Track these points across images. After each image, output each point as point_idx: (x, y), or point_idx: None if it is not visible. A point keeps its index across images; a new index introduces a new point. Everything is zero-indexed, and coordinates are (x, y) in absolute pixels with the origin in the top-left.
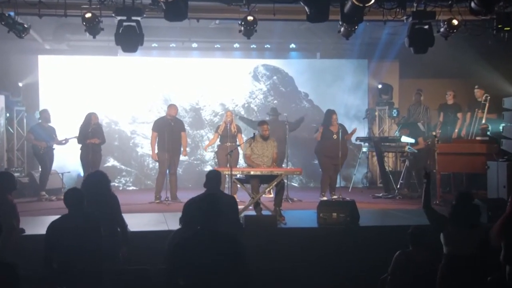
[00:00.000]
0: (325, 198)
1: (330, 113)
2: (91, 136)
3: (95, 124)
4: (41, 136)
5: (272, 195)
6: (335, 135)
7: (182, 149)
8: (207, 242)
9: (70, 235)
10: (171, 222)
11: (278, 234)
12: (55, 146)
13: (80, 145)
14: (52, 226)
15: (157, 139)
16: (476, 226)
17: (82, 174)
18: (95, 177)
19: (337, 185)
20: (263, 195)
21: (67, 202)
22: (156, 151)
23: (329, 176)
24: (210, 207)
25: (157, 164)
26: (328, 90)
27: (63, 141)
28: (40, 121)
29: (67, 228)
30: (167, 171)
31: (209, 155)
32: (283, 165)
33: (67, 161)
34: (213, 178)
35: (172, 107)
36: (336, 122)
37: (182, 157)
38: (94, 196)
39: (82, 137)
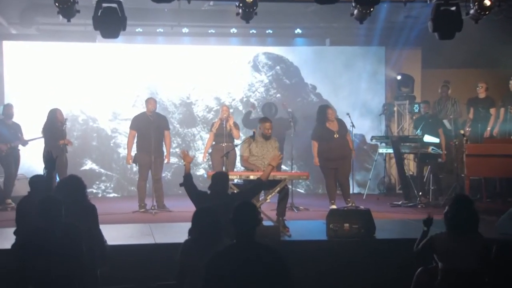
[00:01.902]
0: (334, 207)
1: (324, 108)
2: (66, 136)
3: (62, 122)
4: (3, 135)
5: (268, 200)
6: (336, 134)
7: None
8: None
9: (47, 252)
10: (158, 234)
11: (282, 248)
12: (20, 146)
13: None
14: (25, 242)
15: (135, 139)
16: (475, 236)
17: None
18: (69, 182)
19: (350, 192)
20: (265, 202)
21: (44, 213)
22: (136, 152)
23: (334, 182)
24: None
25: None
26: (339, 82)
27: (30, 141)
28: (2, 117)
29: (44, 243)
30: (150, 177)
31: (202, 156)
32: (284, 168)
33: (36, 164)
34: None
35: (150, 101)
36: (334, 117)
37: (171, 160)
38: (67, 205)
39: (52, 138)
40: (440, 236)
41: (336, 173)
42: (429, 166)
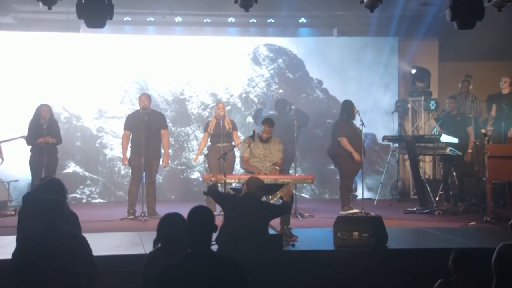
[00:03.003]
0: (355, 211)
1: (351, 104)
2: (46, 134)
3: (50, 119)
4: None
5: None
6: (360, 132)
7: (162, 152)
8: (202, 267)
9: (45, 264)
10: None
11: (285, 258)
12: None
13: (30, 147)
14: (22, 251)
15: (130, 140)
16: None
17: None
18: (47, 185)
19: (359, 197)
20: None
21: (44, 215)
22: (129, 154)
23: (352, 185)
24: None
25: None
26: (347, 76)
27: (3, 142)
28: None
29: (41, 252)
30: (143, 180)
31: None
32: (290, 171)
33: (15, 167)
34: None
35: (141, 97)
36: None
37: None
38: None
39: (32, 136)
40: (510, 247)
41: (354, 175)
42: (449, 169)
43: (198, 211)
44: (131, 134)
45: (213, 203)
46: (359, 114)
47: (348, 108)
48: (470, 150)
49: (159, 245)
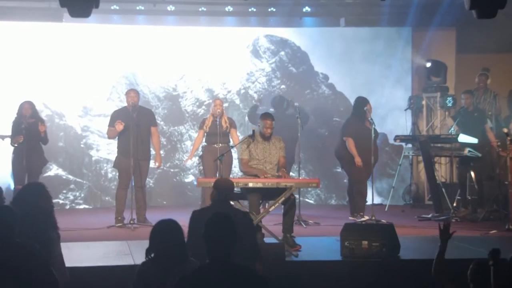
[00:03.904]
0: (365, 218)
1: (364, 101)
2: (25, 133)
3: (33, 117)
4: None
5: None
6: (373, 133)
7: (153, 152)
8: (222, 278)
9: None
10: (138, 253)
11: (287, 270)
12: None
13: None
14: None
15: (116, 138)
16: None
17: (12, 187)
18: (29, 191)
19: (369, 203)
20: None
21: None
22: (117, 155)
23: (366, 190)
24: (224, 229)
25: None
26: (356, 70)
27: None
28: None
29: None
30: (132, 184)
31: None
32: (292, 174)
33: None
34: (223, 187)
35: (129, 93)
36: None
37: (156, 165)
38: (25, 220)
39: (12, 136)
40: None
41: (366, 179)
42: (467, 172)
43: (217, 218)
44: (118, 133)
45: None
46: (366, 112)
47: (358, 105)
48: (480, 154)
49: (152, 255)
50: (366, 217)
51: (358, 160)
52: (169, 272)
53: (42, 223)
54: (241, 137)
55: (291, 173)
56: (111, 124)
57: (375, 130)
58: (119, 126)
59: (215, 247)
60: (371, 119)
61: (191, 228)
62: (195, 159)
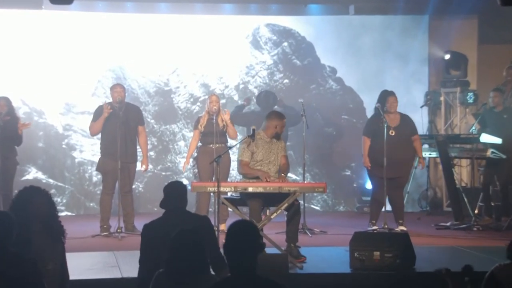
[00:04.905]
0: (374, 227)
1: (385, 94)
2: (0, 133)
3: (9, 115)
4: None
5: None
6: (392, 131)
7: (142, 154)
8: None
9: None
10: (126, 265)
11: (291, 284)
12: None
13: None
14: None
15: (100, 138)
16: None
17: None
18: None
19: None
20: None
21: None
22: (100, 157)
23: (382, 195)
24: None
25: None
26: (366, 63)
27: None
28: None
29: None
30: (118, 189)
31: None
32: (295, 177)
33: None
34: (174, 192)
35: (115, 88)
36: (396, 109)
37: (142, 168)
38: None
39: None
40: (504, 268)
41: (388, 184)
42: (490, 176)
43: (238, 226)
44: (102, 132)
45: (224, 215)
46: (379, 108)
47: (380, 99)
48: (504, 156)
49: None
50: (375, 227)
51: (365, 160)
52: (187, 285)
53: (45, 231)
54: (240, 138)
55: (294, 177)
56: (95, 119)
57: (388, 127)
58: (106, 108)
59: (236, 260)
60: (405, 115)
61: (144, 242)
62: (190, 161)
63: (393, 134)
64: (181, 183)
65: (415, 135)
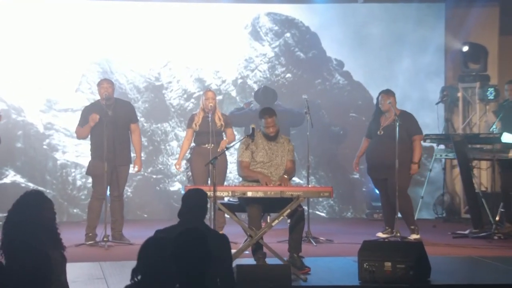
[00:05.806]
0: (384, 235)
1: (380, 92)
2: None
3: None
4: None
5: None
6: (380, 131)
7: (135, 155)
8: None
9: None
10: (113, 276)
11: None
12: None
13: None
14: None
15: (89, 139)
16: None
17: None
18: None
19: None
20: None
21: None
22: (90, 159)
23: (386, 199)
24: (190, 253)
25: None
26: (376, 55)
27: None
28: None
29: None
30: (108, 193)
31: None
32: (299, 181)
33: None
34: (195, 202)
35: (105, 83)
36: (388, 107)
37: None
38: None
39: None
40: None
41: (384, 187)
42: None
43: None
44: (91, 133)
45: (221, 222)
46: (391, 105)
47: (377, 98)
48: None
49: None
50: (380, 233)
51: (354, 163)
52: None
53: (44, 240)
54: (238, 137)
55: (298, 180)
56: (82, 123)
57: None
58: (94, 117)
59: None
60: (404, 111)
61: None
62: (183, 162)
63: (381, 134)
64: (202, 191)
65: (414, 136)
